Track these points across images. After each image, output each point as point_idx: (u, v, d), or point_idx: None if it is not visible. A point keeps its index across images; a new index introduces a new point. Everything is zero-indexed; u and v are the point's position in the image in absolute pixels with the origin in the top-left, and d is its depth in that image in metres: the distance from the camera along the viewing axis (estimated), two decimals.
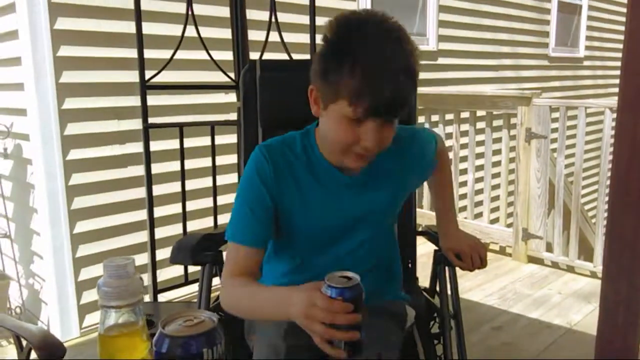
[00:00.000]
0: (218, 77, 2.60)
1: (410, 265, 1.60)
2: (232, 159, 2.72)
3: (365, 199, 1.16)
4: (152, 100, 2.21)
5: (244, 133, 1.62)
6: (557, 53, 6.03)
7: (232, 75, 2.57)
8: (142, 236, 2.42)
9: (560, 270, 3.49)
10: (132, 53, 2.18)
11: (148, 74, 2.15)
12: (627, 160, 1.56)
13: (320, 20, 2.59)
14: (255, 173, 1.11)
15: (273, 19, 2.37)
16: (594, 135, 4.21)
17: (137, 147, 2.68)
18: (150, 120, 2.19)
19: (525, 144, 3.50)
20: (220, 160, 2.49)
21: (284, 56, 2.33)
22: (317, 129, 1.14)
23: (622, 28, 6.49)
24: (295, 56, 2.45)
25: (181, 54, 2.32)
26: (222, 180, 2.55)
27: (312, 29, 2.35)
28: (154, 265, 2.26)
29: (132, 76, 2.36)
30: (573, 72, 6.31)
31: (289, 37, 2.43)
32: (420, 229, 1.59)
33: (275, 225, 1.15)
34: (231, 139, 2.71)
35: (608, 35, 6.72)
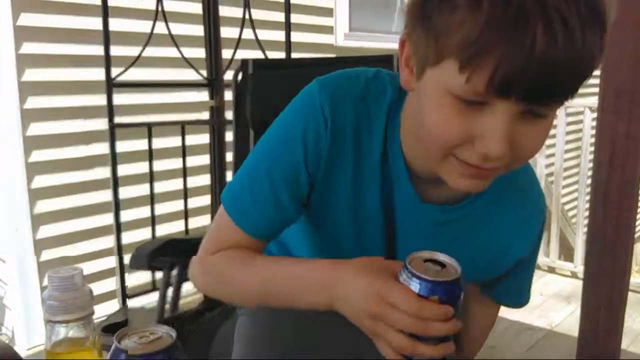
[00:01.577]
0: (189, 75, 2.53)
1: None
2: (204, 159, 2.65)
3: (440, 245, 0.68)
4: (119, 99, 2.12)
5: (234, 136, 1.55)
6: None
7: (204, 73, 2.50)
8: (110, 240, 2.33)
9: (541, 270, 3.48)
10: (99, 50, 2.09)
11: (115, 71, 2.06)
12: (607, 160, 1.53)
13: (296, 18, 2.56)
14: (299, 136, 0.70)
15: (247, 16, 2.31)
16: (574, 135, 4.24)
17: (103, 148, 2.58)
18: (117, 119, 2.10)
19: None
20: (192, 161, 2.41)
21: (258, 54, 2.27)
22: (403, 111, 0.71)
23: None
24: (271, 54, 2.39)
25: (150, 51, 2.24)
26: (193, 182, 2.47)
27: (287, 26, 2.29)
28: (122, 270, 2.17)
29: (98, 74, 2.27)
30: None
31: (263, 35, 2.36)
32: None
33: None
34: (203, 139, 2.63)
35: None
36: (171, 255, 1.32)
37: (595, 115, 3.28)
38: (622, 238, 1.49)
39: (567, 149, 3.55)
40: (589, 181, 3.50)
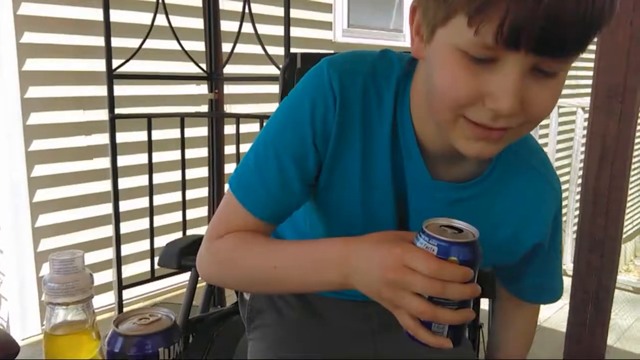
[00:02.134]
0: (189, 68, 2.54)
1: None
2: (203, 152, 2.67)
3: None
4: (119, 90, 2.14)
5: None
6: None
7: (203, 66, 2.51)
8: (108, 230, 2.35)
9: None
10: (99, 41, 2.11)
11: (115, 62, 2.08)
12: (598, 159, 1.56)
13: (295, 13, 2.57)
14: (307, 111, 0.68)
15: (247, 10, 2.32)
16: (566, 134, 4.27)
17: (103, 139, 2.61)
18: (117, 110, 2.12)
19: None
20: (190, 153, 2.43)
21: (256, 49, 2.28)
22: (412, 86, 0.70)
23: None
24: (270, 49, 2.40)
25: (150, 43, 2.26)
26: (191, 174, 2.49)
27: (287, 21, 2.30)
28: (119, 260, 2.20)
29: (99, 65, 2.29)
30: None
31: (263, 29, 2.38)
32: None
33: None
34: (202, 131, 2.65)
35: None
36: None
37: (587, 115, 3.32)
38: (610, 235, 1.52)
39: (558, 148, 3.58)
40: (580, 180, 3.55)
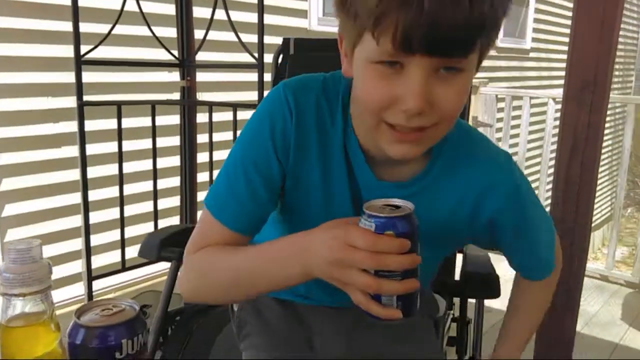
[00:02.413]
0: (160, 54, 2.49)
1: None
2: (175, 140, 2.63)
3: None
4: (88, 77, 2.09)
5: None
6: (505, 44, 6.14)
7: (175, 53, 2.47)
8: (77, 220, 2.30)
9: (501, 255, 3.55)
10: (66, 26, 2.05)
11: (84, 49, 2.03)
12: (569, 149, 1.58)
13: (269, 0, 2.54)
14: (267, 126, 0.75)
15: None
16: (537, 125, 4.32)
17: (71, 126, 2.54)
18: (86, 98, 2.07)
19: None
20: (162, 142, 2.39)
21: (230, 36, 2.25)
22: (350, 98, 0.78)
23: (568, 22, 6.68)
24: (243, 36, 2.37)
25: (120, 29, 2.20)
26: (162, 163, 2.45)
27: (260, 8, 2.27)
28: (89, 251, 2.15)
29: (67, 51, 2.23)
30: (519, 63, 6.45)
31: (236, 16, 2.34)
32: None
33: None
34: (173, 119, 2.61)
35: (554, 28, 6.90)
36: (184, 245, 1.26)
37: (558, 107, 3.37)
38: (580, 223, 1.55)
39: (529, 138, 3.63)
40: (551, 170, 3.62)
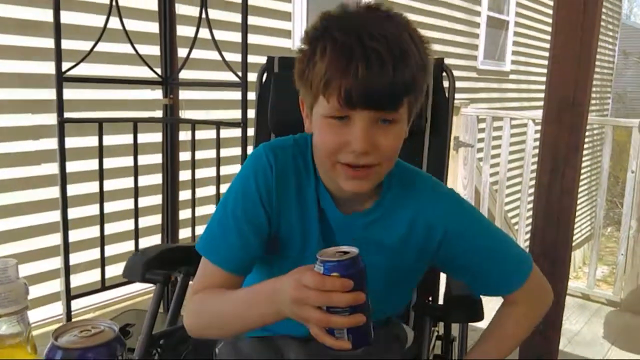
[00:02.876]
0: (143, 72, 2.49)
1: (430, 302, 1.43)
2: (156, 158, 2.61)
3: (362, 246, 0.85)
4: (70, 94, 2.07)
5: (255, 139, 1.55)
6: (486, 66, 6.25)
7: (158, 71, 2.46)
8: (56, 238, 2.26)
9: None
10: (48, 43, 2.03)
11: (66, 65, 2.01)
12: (549, 168, 1.59)
13: (253, 20, 2.55)
14: (253, 183, 0.90)
15: (204, 15, 2.29)
16: (517, 146, 4.38)
17: (52, 144, 2.51)
18: (67, 115, 2.05)
19: (453, 152, 3.58)
20: (143, 159, 2.37)
21: (214, 55, 2.25)
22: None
23: (546, 45, 6.83)
24: (227, 55, 2.37)
25: (103, 47, 2.19)
26: (144, 180, 2.43)
27: (244, 27, 2.28)
28: (68, 269, 2.11)
29: (48, 67, 2.21)
30: (499, 85, 6.57)
31: (220, 35, 2.35)
32: None
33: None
34: (155, 137, 2.60)
35: (532, 51, 7.05)
36: (169, 266, 1.21)
37: (538, 127, 3.42)
38: (561, 241, 1.56)
39: (510, 159, 3.67)
40: (531, 190, 3.66)
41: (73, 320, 2.04)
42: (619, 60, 9.95)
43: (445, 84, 1.52)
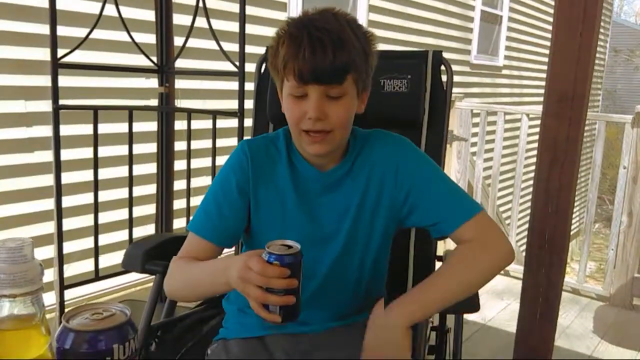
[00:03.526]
0: (138, 60, 2.46)
1: None
2: (152, 147, 2.59)
3: (338, 203, 1.10)
4: (64, 81, 2.04)
5: (253, 130, 1.56)
6: (479, 60, 6.26)
7: (154, 59, 2.44)
8: (49, 227, 2.24)
9: None
10: (42, 29, 2.01)
11: (61, 52, 1.98)
12: (548, 162, 1.60)
13: (250, 10, 2.53)
14: (230, 170, 1.11)
15: (201, 4, 2.27)
16: (511, 140, 4.40)
17: (45, 131, 2.49)
18: (62, 102, 2.02)
19: (447, 145, 3.59)
20: (138, 148, 2.35)
21: (210, 44, 2.23)
22: None
23: (539, 40, 6.80)
24: (224, 45, 2.36)
25: (99, 34, 2.17)
26: (139, 169, 2.41)
27: (242, 17, 2.26)
28: (61, 258, 2.09)
29: (43, 54, 2.18)
30: (492, 80, 6.58)
31: (217, 25, 2.33)
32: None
33: (248, 228, 1.12)
34: (151, 126, 2.58)
35: (525, 47, 7.07)
36: (169, 257, 1.21)
37: (532, 122, 3.43)
38: (559, 233, 1.57)
39: (503, 154, 3.68)
40: (524, 184, 3.68)
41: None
42: (609, 57, 10.03)
43: (443, 77, 1.52)
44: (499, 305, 3.06)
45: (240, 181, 1.09)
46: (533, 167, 1.69)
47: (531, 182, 1.65)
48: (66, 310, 0.61)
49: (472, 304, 1.21)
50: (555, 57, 1.59)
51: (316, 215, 1.10)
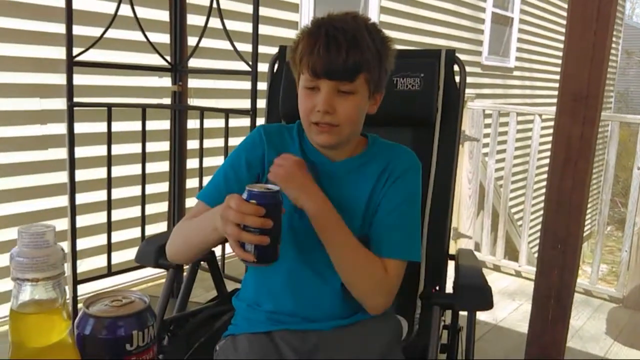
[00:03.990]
0: (151, 59, 2.48)
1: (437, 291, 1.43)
2: (164, 146, 2.60)
3: (343, 192, 1.10)
4: (79, 80, 2.06)
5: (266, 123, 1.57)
6: (490, 62, 6.24)
7: (168, 58, 2.46)
8: (63, 223, 2.26)
9: (487, 269, 3.58)
10: (58, 28, 2.03)
11: (76, 51, 2.01)
12: (562, 161, 1.59)
13: (264, 11, 2.54)
14: (242, 148, 1.16)
15: (215, 5, 2.28)
16: (523, 142, 4.37)
17: (59, 128, 2.51)
18: (76, 100, 2.04)
19: (459, 146, 3.58)
20: (152, 147, 2.37)
21: (225, 44, 2.24)
22: None
23: (550, 42, 6.76)
24: (237, 45, 2.36)
25: (113, 33, 2.19)
26: (151, 168, 2.43)
27: (255, 16, 2.27)
28: (74, 255, 2.11)
29: (58, 53, 2.21)
30: (503, 81, 6.55)
31: (230, 25, 2.34)
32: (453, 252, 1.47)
33: None
34: (164, 125, 2.60)
35: (537, 48, 7.04)
36: None
37: (545, 124, 3.41)
38: (572, 233, 1.56)
39: (515, 155, 3.66)
40: (536, 185, 3.66)
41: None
42: (621, 59, 9.95)
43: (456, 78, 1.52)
44: (511, 306, 3.04)
45: (250, 158, 1.14)
46: (545, 168, 1.68)
47: (543, 183, 1.64)
48: (72, 309, 0.62)
49: (486, 301, 1.21)
50: (569, 56, 1.58)
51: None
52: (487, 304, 1.23)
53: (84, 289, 2.17)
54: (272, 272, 1.07)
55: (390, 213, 1.09)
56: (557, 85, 1.61)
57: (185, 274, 1.47)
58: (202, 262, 1.44)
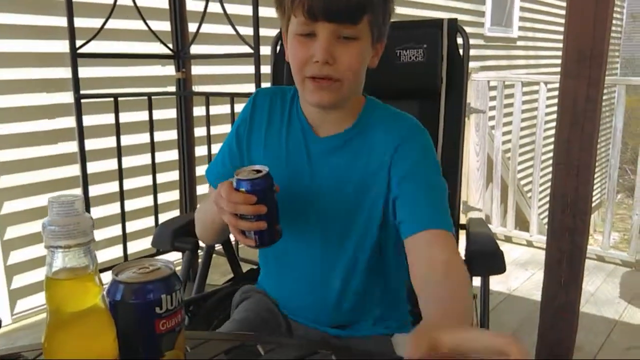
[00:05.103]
0: (153, 48, 2.49)
1: None
2: (172, 134, 2.62)
3: (332, 172, 0.98)
4: (83, 72, 2.08)
5: None
6: (493, 33, 6.18)
7: (169, 45, 2.47)
8: None
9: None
10: (58, 21, 2.04)
11: (78, 43, 2.02)
12: (568, 124, 1.59)
13: None
14: (238, 120, 1.07)
15: None
16: (529, 113, 4.36)
17: (67, 122, 2.53)
18: (82, 92, 2.06)
19: (465, 118, 3.58)
20: (160, 136, 2.39)
21: (227, 29, 2.25)
22: None
23: (553, 10, 6.67)
24: (238, 28, 2.37)
25: (114, 23, 2.20)
26: (160, 157, 2.45)
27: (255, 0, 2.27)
28: None
29: (61, 46, 2.22)
30: (507, 52, 6.50)
31: (229, 8, 2.34)
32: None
33: None
34: (170, 113, 2.61)
35: (540, 17, 6.96)
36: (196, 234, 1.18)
37: (550, 94, 3.40)
38: (581, 196, 1.57)
39: (522, 126, 3.65)
40: (544, 157, 3.65)
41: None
42: (626, 23, 9.82)
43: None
44: (524, 275, 3.07)
45: (239, 130, 1.05)
46: (553, 138, 1.68)
47: (551, 153, 1.64)
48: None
49: (499, 265, 1.22)
50: (572, 15, 1.57)
51: (308, 184, 1.00)
52: (500, 268, 1.24)
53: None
54: (280, 275, 1.09)
55: (411, 189, 0.94)
56: (561, 53, 1.60)
57: (200, 260, 1.49)
58: (216, 246, 1.46)
